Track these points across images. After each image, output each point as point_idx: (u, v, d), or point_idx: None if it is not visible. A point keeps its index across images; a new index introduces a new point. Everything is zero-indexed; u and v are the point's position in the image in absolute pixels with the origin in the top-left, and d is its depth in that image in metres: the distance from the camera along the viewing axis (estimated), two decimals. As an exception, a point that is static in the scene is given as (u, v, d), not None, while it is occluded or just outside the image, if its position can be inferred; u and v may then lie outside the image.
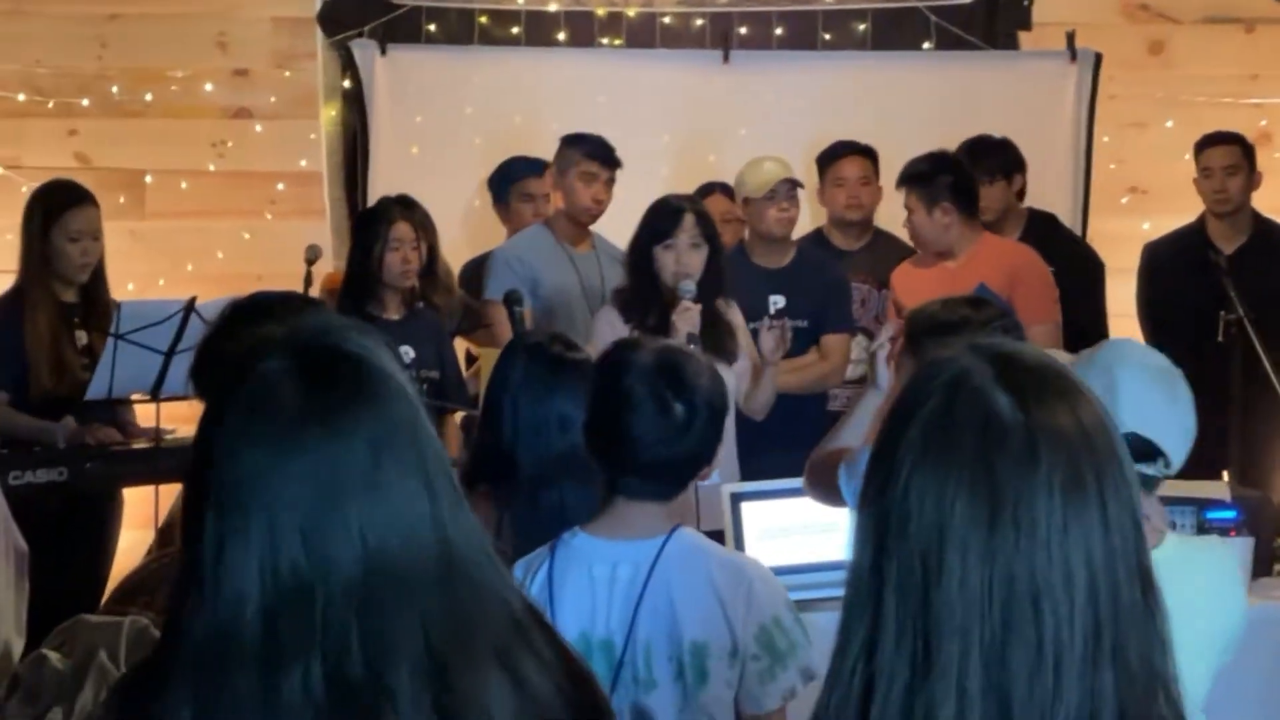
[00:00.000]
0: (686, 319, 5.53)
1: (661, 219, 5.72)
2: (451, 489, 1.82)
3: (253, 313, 3.27)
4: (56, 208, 6.23)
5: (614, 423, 3.30)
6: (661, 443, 3.27)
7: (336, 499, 1.74)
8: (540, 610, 1.94)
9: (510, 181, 7.10)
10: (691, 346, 5.41)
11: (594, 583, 3.28)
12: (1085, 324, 6.70)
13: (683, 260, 5.64)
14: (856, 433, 4.25)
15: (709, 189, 7.17)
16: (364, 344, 1.84)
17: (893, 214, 6.99)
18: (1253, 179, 7.33)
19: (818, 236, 7.17)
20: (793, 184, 6.40)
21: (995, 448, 1.59)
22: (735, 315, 5.91)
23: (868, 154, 7.15)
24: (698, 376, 3.34)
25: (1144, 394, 3.02)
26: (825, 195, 7.16)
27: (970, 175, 6.68)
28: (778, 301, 6.35)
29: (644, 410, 3.27)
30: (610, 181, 6.59)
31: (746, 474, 5.49)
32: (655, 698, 3.24)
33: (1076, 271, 7.01)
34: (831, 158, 7.14)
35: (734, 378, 5.73)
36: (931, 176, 6.45)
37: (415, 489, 1.78)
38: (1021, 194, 7.18)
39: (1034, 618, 1.56)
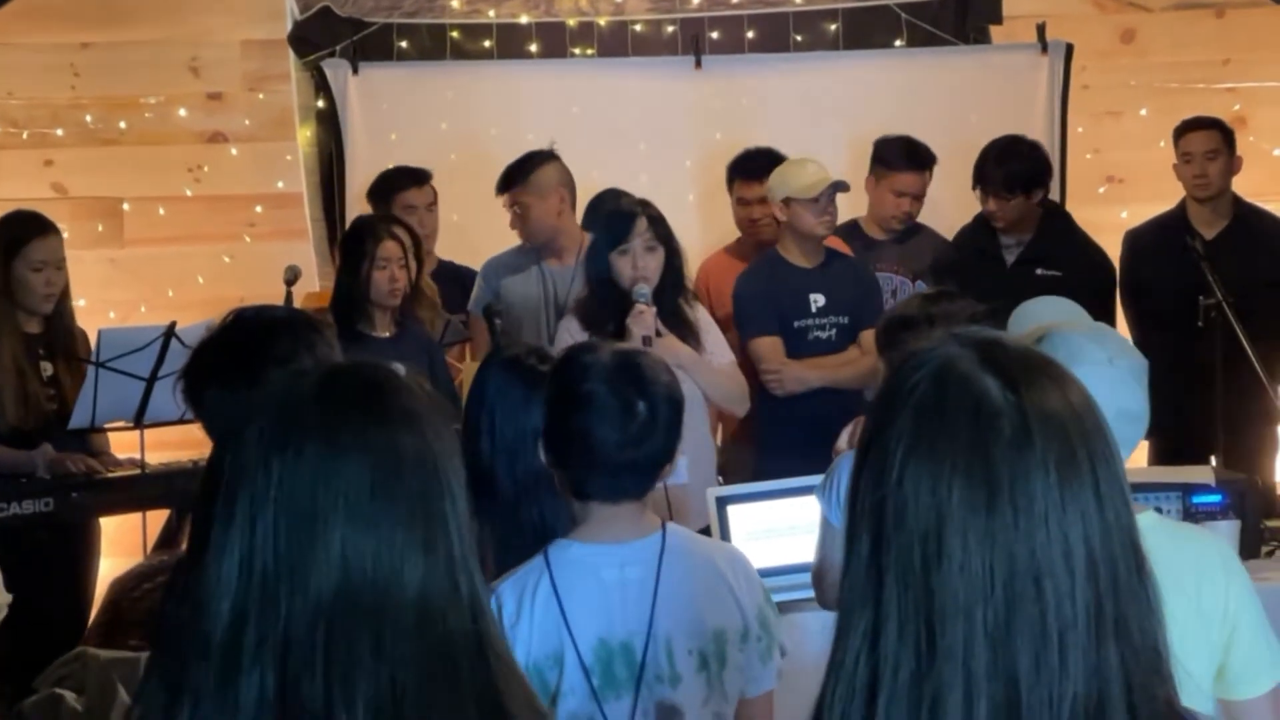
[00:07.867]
0: (641, 323, 5.50)
1: (614, 224, 5.69)
2: (457, 551, 1.81)
3: (259, 323, 3.32)
4: (18, 238, 6.16)
5: (578, 427, 3.25)
6: (630, 443, 3.23)
7: (321, 513, 1.75)
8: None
9: (393, 193, 7.09)
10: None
11: (606, 587, 3.24)
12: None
13: (639, 264, 5.60)
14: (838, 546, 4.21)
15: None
16: (399, 382, 1.87)
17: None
18: (1233, 163, 7.29)
19: (853, 228, 7.15)
20: (838, 188, 6.34)
21: (988, 431, 1.59)
22: (700, 314, 5.89)
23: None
24: (657, 375, 3.30)
25: None
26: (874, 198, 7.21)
27: None
28: (818, 300, 6.33)
29: (608, 412, 3.22)
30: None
31: (779, 471, 5.40)
32: (681, 691, 3.24)
33: (1086, 272, 6.94)
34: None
35: None
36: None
37: (409, 535, 1.78)
38: (1044, 199, 7.12)
39: (1036, 596, 1.56)
